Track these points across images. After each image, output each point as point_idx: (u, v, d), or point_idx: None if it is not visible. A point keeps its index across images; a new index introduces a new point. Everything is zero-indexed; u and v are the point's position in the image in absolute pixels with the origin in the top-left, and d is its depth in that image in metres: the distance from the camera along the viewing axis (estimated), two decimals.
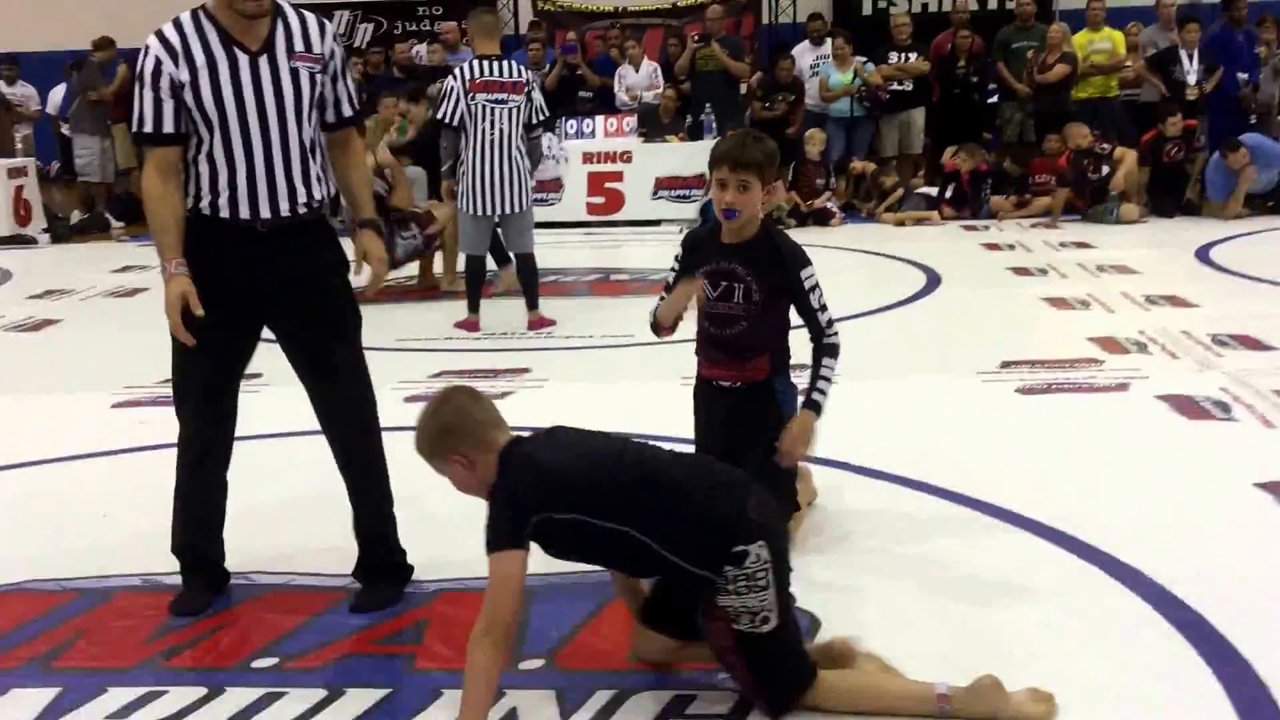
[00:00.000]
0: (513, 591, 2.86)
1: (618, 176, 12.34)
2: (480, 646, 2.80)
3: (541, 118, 7.57)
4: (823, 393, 3.74)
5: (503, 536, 2.87)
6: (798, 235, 11.04)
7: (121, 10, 14.76)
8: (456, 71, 7.39)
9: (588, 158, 12.49)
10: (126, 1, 14.54)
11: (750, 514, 2.91)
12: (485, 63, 7.28)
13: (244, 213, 3.53)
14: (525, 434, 3.13)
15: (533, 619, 3.56)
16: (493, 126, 7.23)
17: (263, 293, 3.61)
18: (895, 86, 12.97)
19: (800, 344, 3.87)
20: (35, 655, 3.49)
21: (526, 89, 7.37)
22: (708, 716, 3.00)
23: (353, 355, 3.78)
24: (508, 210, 7.38)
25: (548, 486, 2.93)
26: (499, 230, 7.78)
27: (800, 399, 3.79)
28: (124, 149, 14.33)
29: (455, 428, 3.01)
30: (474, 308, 7.69)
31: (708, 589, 2.90)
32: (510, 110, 7.27)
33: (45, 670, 3.40)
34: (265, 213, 3.54)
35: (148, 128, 3.50)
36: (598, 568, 3.75)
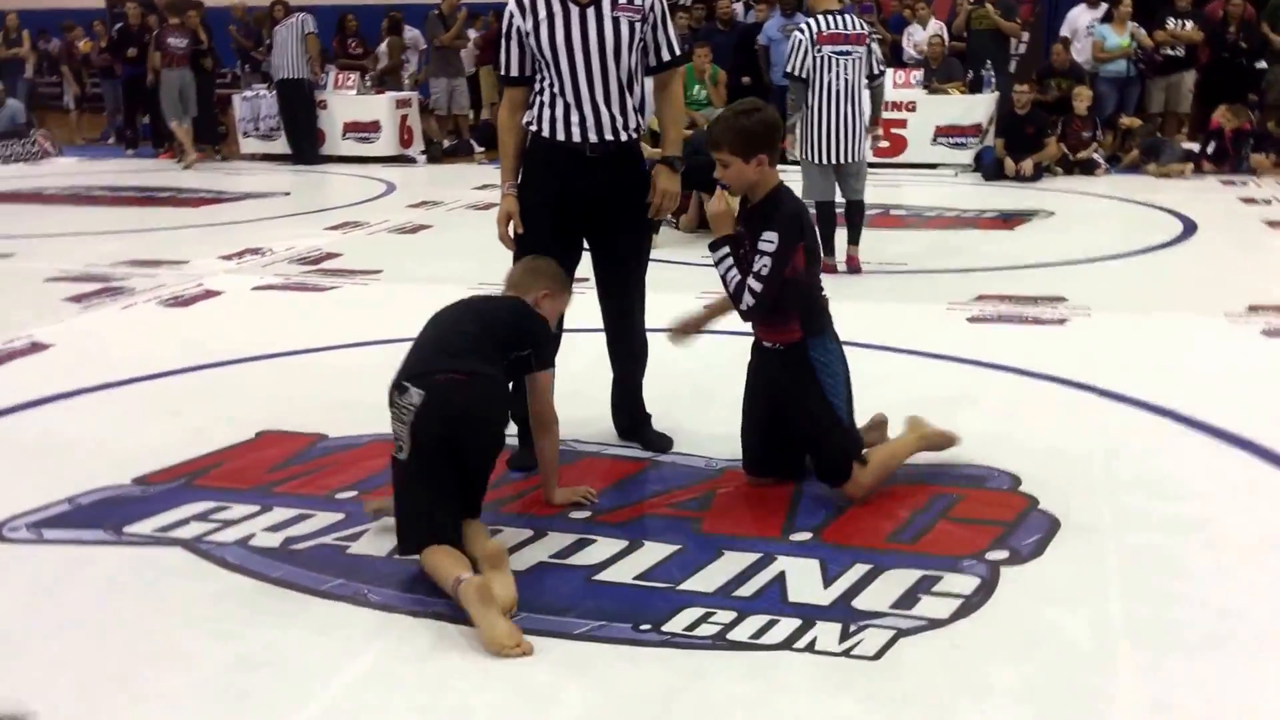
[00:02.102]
0: None
1: (902, 124, 11.95)
2: None
3: (882, 68, 7.11)
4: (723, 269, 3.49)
5: None
6: (1064, 183, 10.68)
7: None
8: (803, 25, 6.87)
9: None
10: None
11: (436, 376, 3.07)
12: (830, 17, 6.76)
13: (575, 137, 3.69)
14: None
15: (804, 498, 3.57)
16: (838, 77, 6.73)
17: (587, 204, 3.75)
18: (1168, 51, 12.10)
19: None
20: None
21: (867, 41, 6.86)
22: (953, 595, 2.94)
23: (640, 266, 3.93)
24: (845, 160, 6.83)
25: None
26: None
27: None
28: (486, 87, 14.81)
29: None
30: (829, 251, 6.85)
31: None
32: (853, 60, 6.75)
33: None
34: (592, 137, 3.68)
35: (502, 71, 3.80)
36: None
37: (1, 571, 3.21)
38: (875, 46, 7.00)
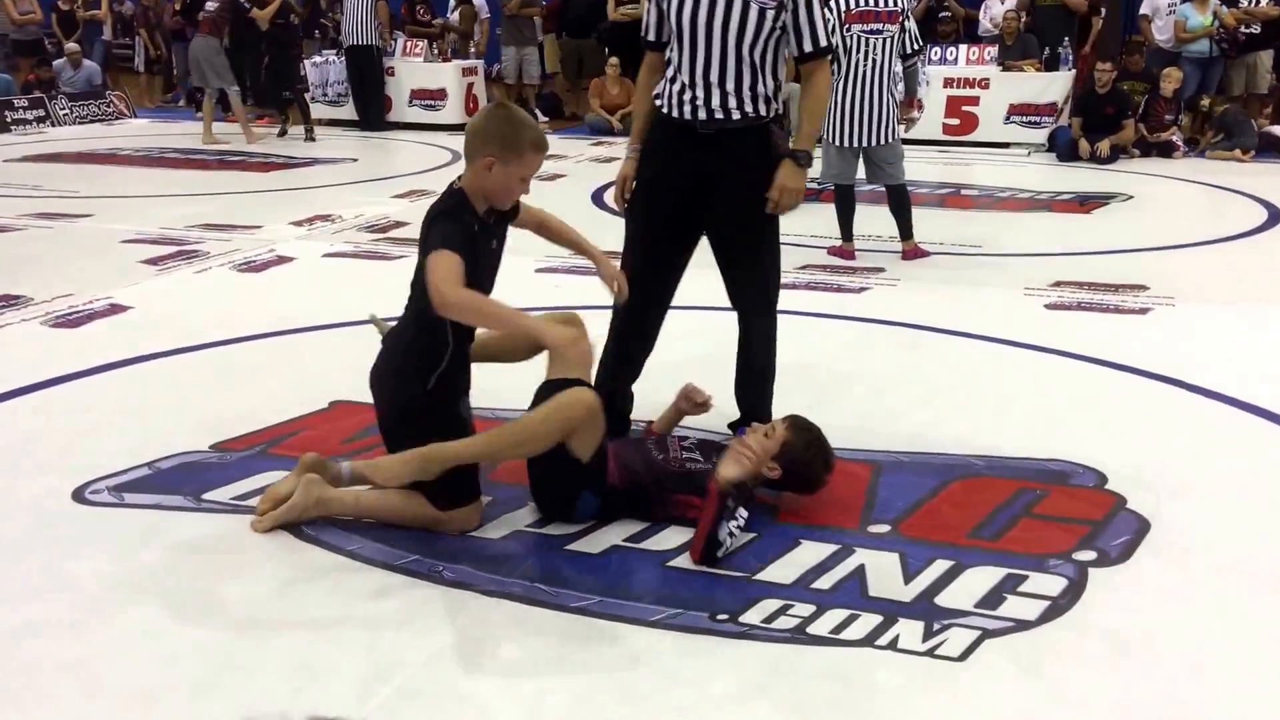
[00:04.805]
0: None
1: (974, 101, 11.75)
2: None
3: (917, 46, 6.55)
4: None
5: None
6: (1141, 165, 10.38)
7: None
8: (832, 3, 6.28)
9: (948, 82, 11.90)
10: None
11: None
12: None
13: (687, 114, 3.57)
14: None
15: (881, 489, 3.49)
16: (866, 58, 6.28)
17: (696, 185, 3.61)
18: (1243, 29, 11.70)
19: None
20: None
21: (901, 18, 6.35)
22: (1040, 596, 2.85)
23: (757, 268, 3.73)
24: (873, 142, 6.43)
25: None
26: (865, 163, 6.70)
27: None
28: (550, 56, 14.72)
29: None
30: (848, 236, 6.76)
31: None
32: (885, 40, 6.28)
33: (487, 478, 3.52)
34: (702, 114, 3.55)
35: (644, 34, 3.75)
36: (945, 450, 3.68)
37: (83, 534, 3.21)
38: (910, 24, 6.50)
